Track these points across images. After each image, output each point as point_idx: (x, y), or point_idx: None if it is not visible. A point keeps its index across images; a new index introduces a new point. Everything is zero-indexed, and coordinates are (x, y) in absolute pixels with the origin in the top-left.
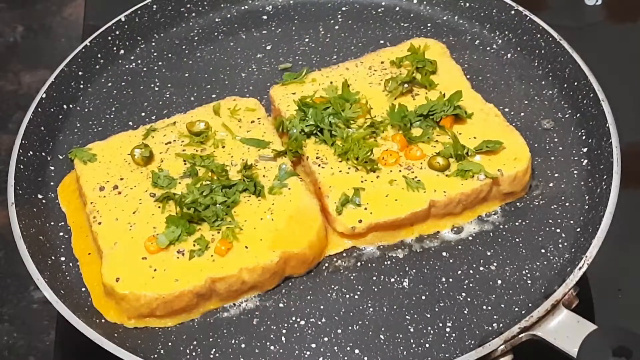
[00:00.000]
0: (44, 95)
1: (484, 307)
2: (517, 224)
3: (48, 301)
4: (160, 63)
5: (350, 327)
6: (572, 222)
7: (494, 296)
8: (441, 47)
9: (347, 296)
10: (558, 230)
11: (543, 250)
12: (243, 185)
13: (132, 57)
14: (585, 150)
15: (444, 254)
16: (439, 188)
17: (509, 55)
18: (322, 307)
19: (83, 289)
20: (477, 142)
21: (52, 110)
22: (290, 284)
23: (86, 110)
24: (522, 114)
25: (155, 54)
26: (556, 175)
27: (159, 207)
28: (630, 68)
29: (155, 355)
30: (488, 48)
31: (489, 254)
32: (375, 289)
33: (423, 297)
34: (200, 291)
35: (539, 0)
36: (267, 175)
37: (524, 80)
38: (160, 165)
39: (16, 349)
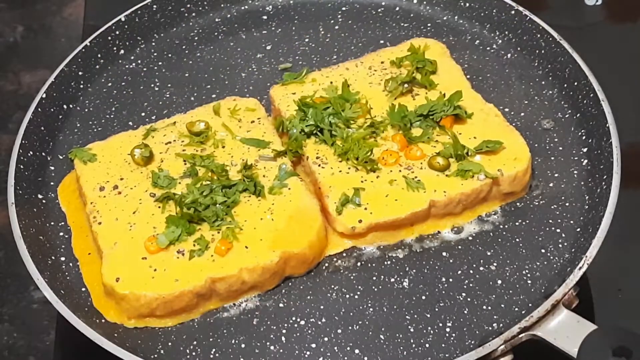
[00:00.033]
0: (44, 95)
1: (484, 307)
2: (517, 224)
3: (48, 301)
4: (160, 63)
5: (350, 327)
6: (572, 222)
7: (494, 296)
8: (441, 47)
9: (347, 296)
10: (558, 230)
11: (543, 250)
12: (243, 185)
13: (132, 57)
14: (585, 150)
15: (444, 254)
16: (439, 188)
17: (509, 55)
18: (322, 307)
19: (83, 289)
20: (477, 142)
21: (52, 110)
22: (290, 284)
23: (86, 110)
24: (522, 114)
25: (155, 54)
26: (556, 175)
27: (159, 207)
28: (630, 68)
29: (155, 355)
30: (488, 48)
31: (489, 254)
32: (375, 289)
33: (423, 297)
34: (200, 291)
35: (539, 0)
36: (267, 175)
37: (524, 80)
38: (160, 165)
39: (16, 349)
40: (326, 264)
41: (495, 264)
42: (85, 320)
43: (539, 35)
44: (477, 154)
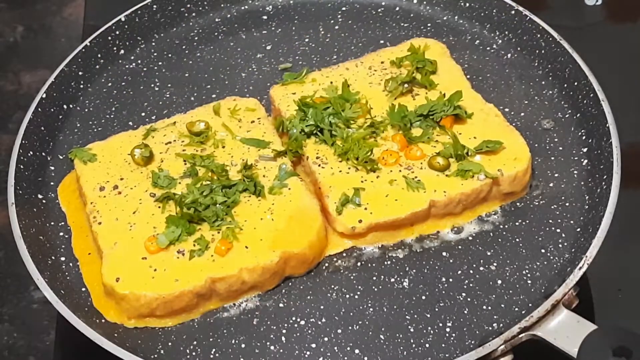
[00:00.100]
0: (44, 95)
1: (484, 307)
2: (517, 224)
3: (48, 301)
4: (160, 63)
5: (350, 327)
6: (572, 222)
7: (494, 296)
8: (441, 47)
9: (347, 296)
10: (558, 230)
11: (543, 250)
12: (243, 185)
13: (132, 57)
14: (585, 150)
15: (444, 254)
16: (439, 188)
17: (509, 55)
18: (322, 307)
19: (83, 289)
20: (477, 142)
21: (52, 110)
22: (290, 284)
23: (86, 110)
24: (522, 114)
25: (155, 54)
26: (556, 175)
27: (159, 207)
28: (630, 68)
29: (155, 355)
30: (488, 48)
31: (489, 254)
32: (375, 289)
33: (423, 297)
34: (200, 291)
35: (538, 0)
36: (267, 175)
37: (524, 80)
38: (160, 165)
39: (16, 349)
40: (326, 264)
41: (495, 264)
42: (85, 320)
43: (539, 35)
44: (477, 154)
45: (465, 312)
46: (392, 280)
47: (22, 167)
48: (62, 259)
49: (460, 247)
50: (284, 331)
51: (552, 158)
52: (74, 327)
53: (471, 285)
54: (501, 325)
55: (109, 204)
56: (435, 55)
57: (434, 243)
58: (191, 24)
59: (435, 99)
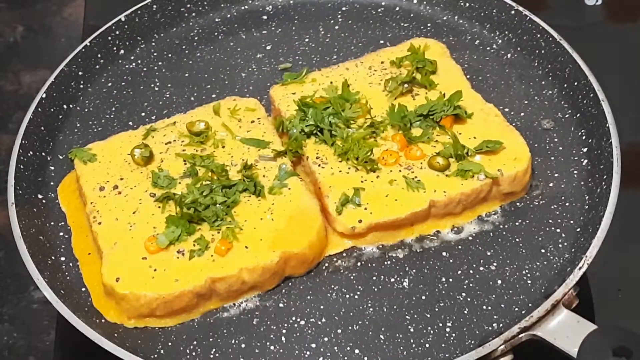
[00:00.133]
0: (44, 95)
1: (484, 307)
2: (517, 224)
3: (48, 301)
4: (160, 63)
5: (350, 327)
6: (572, 222)
7: (494, 296)
8: (441, 47)
9: (347, 296)
10: (558, 230)
11: (543, 250)
12: (243, 185)
13: (132, 57)
14: (585, 150)
15: (444, 254)
16: (439, 188)
17: (509, 55)
18: (322, 307)
19: (83, 289)
20: (477, 142)
21: (52, 110)
22: (290, 284)
23: (86, 110)
24: (522, 114)
25: (155, 54)
26: (556, 175)
27: (159, 207)
28: (630, 68)
29: (155, 355)
30: (488, 48)
31: (489, 254)
32: (375, 289)
33: (423, 297)
34: (200, 291)
35: (538, 0)
36: (267, 175)
37: (524, 80)
38: (160, 165)
39: (16, 349)
40: (326, 264)
41: (495, 264)
42: (85, 320)
43: (539, 35)
44: (477, 154)
45: (465, 312)
46: (392, 280)
47: (22, 167)
48: (62, 259)
49: (460, 247)
50: (284, 331)
51: (552, 158)
52: (74, 327)
53: (471, 285)
54: (501, 325)
55: (109, 204)
56: (435, 55)
57: (434, 243)
58: (191, 24)
59: (435, 99)
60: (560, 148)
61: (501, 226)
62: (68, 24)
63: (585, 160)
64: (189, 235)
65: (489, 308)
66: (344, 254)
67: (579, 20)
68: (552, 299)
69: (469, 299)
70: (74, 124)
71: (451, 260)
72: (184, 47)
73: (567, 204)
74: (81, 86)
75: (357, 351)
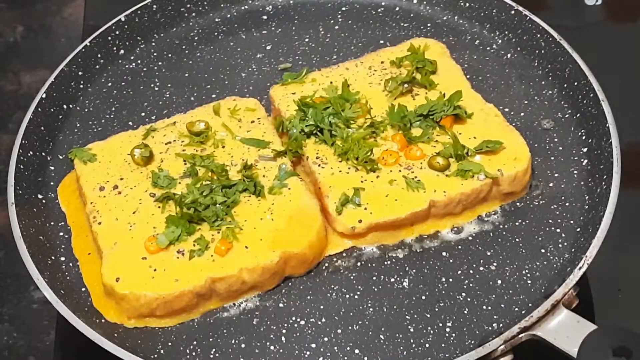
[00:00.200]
0: (44, 95)
1: (484, 307)
2: (517, 224)
3: (48, 301)
4: (160, 63)
5: (350, 327)
6: (572, 222)
7: (494, 296)
8: (441, 47)
9: (347, 296)
10: (558, 230)
11: (543, 250)
12: (243, 185)
13: (132, 57)
14: (585, 150)
15: (444, 254)
16: (439, 188)
17: (509, 55)
18: (322, 307)
19: (83, 289)
20: (477, 142)
21: (52, 110)
22: (290, 284)
23: (86, 110)
24: (522, 114)
25: (155, 54)
26: (556, 175)
27: (159, 207)
28: (630, 68)
29: (155, 355)
30: (488, 48)
31: (489, 254)
32: (375, 289)
33: (423, 297)
34: (200, 291)
35: (538, 0)
36: (267, 175)
37: (524, 80)
38: (160, 165)
39: (16, 349)
40: (326, 264)
41: (495, 264)
42: (85, 320)
43: (539, 35)
44: (477, 154)
45: (465, 312)
46: (392, 280)
47: (22, 167)
48: (62, 259)
49: (460, 247)
50: (284, 331)
51: (552, 158)
52: (74, 327)
53: (471, 285)
54: (501, 325)
55: (109, 204)
56: (435, 55)
57: (434, 243)
58: (191, 24)
59: (435, 99)
60: (560, 148)
61: (501, 226)
62: (68, 24)
63: (585, 160)
64: (189, 235)
65: (489, 308)
66: (344, 254)
67: (579, 20)
68: (552, 299)
69: (469, 299)
70: (74, 124)
71: (451, 260)
72: (184, 47)
73: (567, 204)
74: (81, 86)
75: (357, 351)
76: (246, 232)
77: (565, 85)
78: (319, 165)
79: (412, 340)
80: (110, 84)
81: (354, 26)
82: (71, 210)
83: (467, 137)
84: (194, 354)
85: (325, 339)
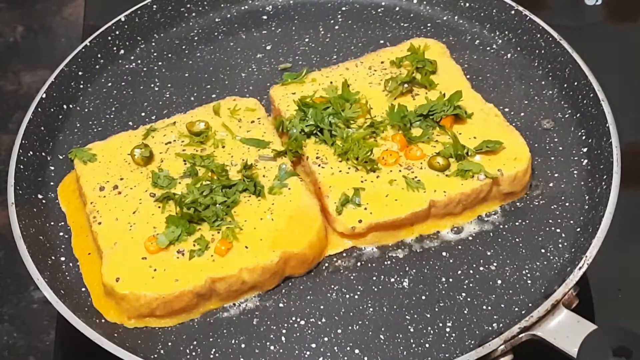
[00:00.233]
0: (44, 95)
1: (484, 307)
2: (517, 224)
3: (48, 301)
4: (160, 63)
5: (350, 327)
6: (572, 222)
7: (494, 296)
8: (441, 47)
9: (347, 296)
10: (558, 230)
11: (543, 250)
12: (243, 185)
13: (132, 57)
14: (585, 150)
15: (444, 254)
16: (439, 188)
17: (509, 55)
18: (322, 307)
19: (83, 289)
20: (477, 142)
21: (52, 110)
22: (290, 284)
23: (86, 110)
24: (522, 114)
25: (155, 54)
26: (556, 175)
27: (159, 207)
28: (630, 68)
29: (155, 355)
30: (488, 48)
31: (489, 254)
32: (375, 289)
33: (423, 297)
34: (200, 291)
35: (539, 0)
36: (267, 175)
37: (524, 80)
38: (160, 165)
39: (16, 349)
40: (326, 264)
41: (495, 264)
42: (85, 320)
43: (539, 35)
44: (477, 154)
45: (465, 312)
46: (392, 280)
47: (22, 167)
48: (62, 259)
49: (460, 247)
50: (284, 331)
51: (552, 158)
52: (74, 327)
53: (471, 285)
54: (501, 325)
55: (109, 204)
56: (435, 55)
57: (434, 243)
58: (191, 24)
59: (435, 99)
60: (560, 148)
61: (501, 226)
62: (68, 24)
63: (585, 160)
64: (189, 235)
65: (489, 308)
66: (344, 254)
67: (579, 20)
68: (552, 299)
69: (469, 299)
70: (74, 124)
71: (451, 260)
72: (184, 47)
73: (567, 204)
74: (81, 86)
75: (357, 351)
76: (246, 232)
77: (565, 85)
78: (319, 165)
79: (412, 340)
80: (110, 84)
81: (354, 26)
82: (71, 210)
83: (467, 137)
84: (194, 354)
85: (325, 339)
